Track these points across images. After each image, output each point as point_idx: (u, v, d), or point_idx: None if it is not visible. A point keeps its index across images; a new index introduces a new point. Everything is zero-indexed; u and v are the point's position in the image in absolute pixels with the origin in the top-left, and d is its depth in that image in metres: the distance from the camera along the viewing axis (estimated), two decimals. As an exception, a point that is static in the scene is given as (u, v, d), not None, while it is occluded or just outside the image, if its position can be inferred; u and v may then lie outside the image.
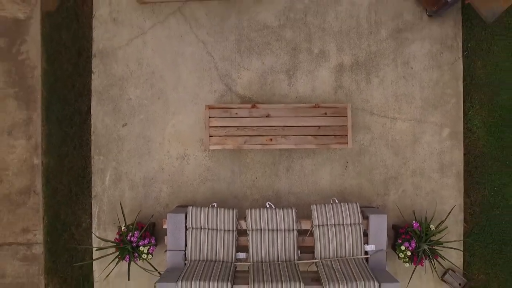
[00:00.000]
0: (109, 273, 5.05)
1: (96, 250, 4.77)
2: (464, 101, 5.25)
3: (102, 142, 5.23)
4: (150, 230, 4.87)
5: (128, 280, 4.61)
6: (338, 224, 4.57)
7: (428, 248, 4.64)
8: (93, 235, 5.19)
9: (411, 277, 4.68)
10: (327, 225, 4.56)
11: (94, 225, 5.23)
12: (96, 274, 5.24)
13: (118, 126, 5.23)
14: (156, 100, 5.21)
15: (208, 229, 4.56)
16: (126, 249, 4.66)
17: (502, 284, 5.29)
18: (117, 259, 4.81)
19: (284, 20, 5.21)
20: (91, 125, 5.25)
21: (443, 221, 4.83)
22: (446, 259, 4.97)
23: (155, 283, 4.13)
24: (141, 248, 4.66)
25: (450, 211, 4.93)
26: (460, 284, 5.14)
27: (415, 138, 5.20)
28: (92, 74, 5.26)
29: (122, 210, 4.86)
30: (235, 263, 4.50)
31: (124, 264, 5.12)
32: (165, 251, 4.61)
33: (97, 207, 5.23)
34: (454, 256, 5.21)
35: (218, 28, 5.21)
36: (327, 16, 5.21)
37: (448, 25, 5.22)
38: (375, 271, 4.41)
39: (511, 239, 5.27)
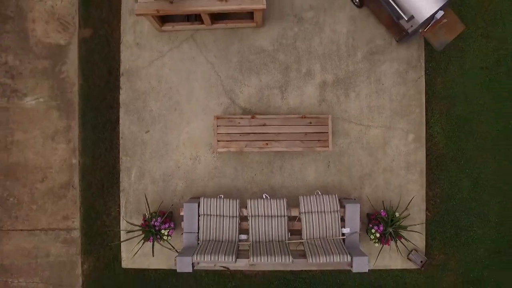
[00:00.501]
0: (136, 253, 6.20)
1: (127, 232, 5.93)
2: (426, 111, 6.38)
3: (129, 145, 6.37)
4: (169, 217, 6.01)
5: (153, 256, 5.76)
6: (321, 212, 5.70)
7: (392, 231, 5.78)
8: (122, 220, 6.33)
9: (379, 253, 5.82)
10: (311, 212, 5.70)
11: (122, 214, 6.37)
12: (123, 254, 6.39)
13: (142, 132, 6.37)
14: (173, 111, 6.36)
15: (216, 215, 5.70)
16: (150, 231, 5.81)
17: (458, 262, 6.42)
18: (142, 241, 5.96)
19: (277, 45, 6.35)
20: (120, 131, 6.39)
21: (405, 209, 5.97)
22: (409, 241, 6.12)
23: (175, 257, 5.27)
24: (163, 231, 5.81)
25: (410, 201, 6.07)
26: (421, 262, 6.27)
27: (385, 141, 6.34)
28: (120, 90, 6.41)
29: (146, 201, 6.01)
30: (238, 243, 5.64)
31: (146, 245, 6.25)
32: (182, 233, 5.75)
33: (124, 199, 6.38)
34: (417, 239, 6.33)
35: (223, 52, 6.35)
36: (313, 42, 6.35)
37: (412, 49, 6.35)
38: (349, 248, 5.54)
39: (465, 225, 6.40)
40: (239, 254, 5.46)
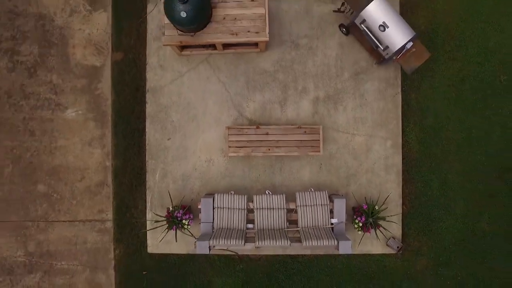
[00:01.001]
0: (160, 240, 7.46)
1: (155, 222, 7.19)
2: (402, 122, 7.63)
3: (154, 151, 7.63)
4: (189, 210, 7.28)
5: (176, 241, 7.02)
6: (313, 205, 6.96)
7: (372, 221, 7.04)
8: (148, 213, 7.59)
9: (361, 239, 7.08)
10: (306, 205, 6.95)
11: (148, 207, 7.63)
12: (149, 241, 7.64)
13: (164, 140, 7.64)
14: (191, 122, 7.62)
15: (228, 208, 6.95)
16: (173, 221, 7.07)
17: (429, 248, 7.66)
18: (166, 230, 7.23)
19: (277, 67, 7.62)
20: (146, 138, 7.65)
21: (383, 204, 7.24)
22: (388, 230, 7.37)
23: (195, 241, 6.53)
24: (184, 221, 7.06)
25: (387, 197, 7.34)
26: (398, 247, 7.53)
27: (367, 147, 7.59)
28: (146, 104, 7.67)
29: (170, 196, 7.28)
30: (246, 230, 6.90)
31: (169, 233, 7.50)
32: (200, 223, 7.01)
33: (150, 195, 7.63)
34: (395, 229, 7.58)
35: (233, 73, 7.61)
36: (307, 64, 7.61)
37: (390, 70, 7.61)
38: (337, 235, 6.79)
39: (435, 217, 7.64)
40: (247, 239, 6.72)
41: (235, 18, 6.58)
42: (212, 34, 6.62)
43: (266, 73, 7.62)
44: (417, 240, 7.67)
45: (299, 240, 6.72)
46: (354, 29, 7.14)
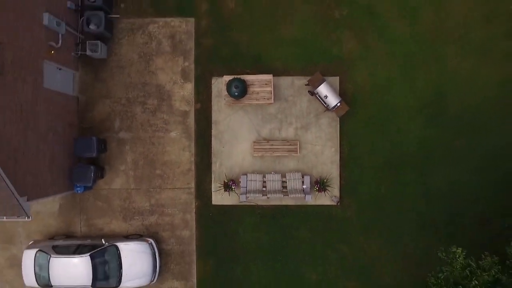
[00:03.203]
0: (219, 196, 15.15)
1: (219, 187, 14.90)
2: (340, 139, 15.28)
3: (215, 153, 15.31)
4: (235, 182, 14.96)
5: (229, 195, 14.72)
6: (294, 179, 14.67)
7: (323, 187, 14.72)
8: (214, 183, 15.26)
9: (316, 196, 14.78)
10: (291, 179, 14.66)
11: (212, 181, 15.30)
12: (213, 198, 15.31)
13: (221, 147, 15.32)
14: (234, 138, 15.30)
15: (253, 180, 14.66)
16: (226, 187, 14.77)
17: (354, 203, 15.31)
18: (222, 192, 14.92)
19: (277, 111, 15.30)
20: (212, 146, 15.33)
21: (328, 179, 14.94)
22: (331, 192, 15.07)
23: (239, 195, 14.21)
24: (232, 187, 14.76)
25: (330, 176, 15.03)
26: (337, 202, 15.18)
27: (322, 151, 15.26)
28: (212, 129, 15.34)
29: (225, 175, 14.99)
30: (262, 191, 14.59)
31: (224, 194, 15.14)
32: (240, 188, 14.69)
33: (213, 175, 15.31)
34: (335, 192, 15.24)
35: (255, 114, 15.30)
36: (292, 110, 15.31)
37: (332, 114, 15.28)
38: (305, 193, 14.49)
39: (358, 187, 15.30)
40: (262, 194, 14.44)
41: (258, 92, 14.33)
42: (247, 100, 14.35)
43: (272, 114, 15.30)
44: (348, 199, 15.34)
45: (287, 195, 14.44)
46: (314, 95, 14.82)
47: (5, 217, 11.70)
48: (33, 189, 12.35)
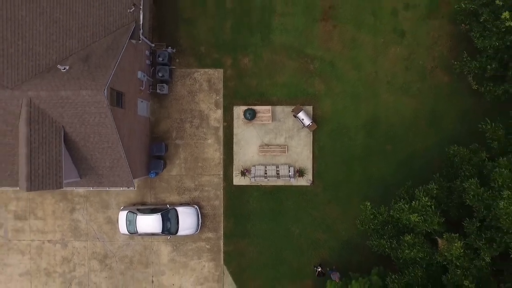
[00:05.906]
0: (238, 179, 24.58)
1: (238, 173, 24.32)
2: (313, 144, 24.66)
3: (236, 153, 24.75)
4: (248, 170, 24.36)
5: (244, 179, 24.11)
6: (284, 169, 24.07)
7: (301, 174, 24.14)
8: (234, 171, 24.68)
9: (297, 179, 24.14)
10: (283, 168, 24.06)
11: (233, 170, 24.71)
12: (234, 180, 24.73)
13: (239, 149, 24.76)
14: (247, 144, 24.72)
15: (258, 170, 24.08)
16: (243, 174, 24.19)
17: (323, 184, 24.68)
18: (240, 176, 24.32)
19: (274, 128, 24.73)
20: (233, 148, 24.75)
21: (304, 169, 24.32)
22: (307, 177, 24.44)
23: (250, 178, 23.60)
24: (246, 174, 24.17)
25: (305, 167, 24.40)
26: (311, 183, 24.52)
27: (301, 151, 24.65)
28: (234, 139, 24.76)
29: (242, 166, 24.40)
30: (264, 175, 24.03)
31: (241, 178, 24.53)
32: (251, 172, 24.11)
33: (234, 166, 24.73)
34: (310, 177, 24.59)
35: (261, 129, 24.73)
36: (282, 127, 24.72)
37: (306, 130, 24.71)
38: (291, 177, 23.91)
39: (325, 174, 24.65)
40: (265, 178, 23.88)
41: (262, 116, 23.87)
42: (255, 121, 23.91)
43: (270, 129, 24.71)
44: (316, 181, 24.71)
45: (279, 178, 23.89)
46: (296, 117, 24.20)
47: (121, 188, 21.17)
48: (134, 173, 21.76)
